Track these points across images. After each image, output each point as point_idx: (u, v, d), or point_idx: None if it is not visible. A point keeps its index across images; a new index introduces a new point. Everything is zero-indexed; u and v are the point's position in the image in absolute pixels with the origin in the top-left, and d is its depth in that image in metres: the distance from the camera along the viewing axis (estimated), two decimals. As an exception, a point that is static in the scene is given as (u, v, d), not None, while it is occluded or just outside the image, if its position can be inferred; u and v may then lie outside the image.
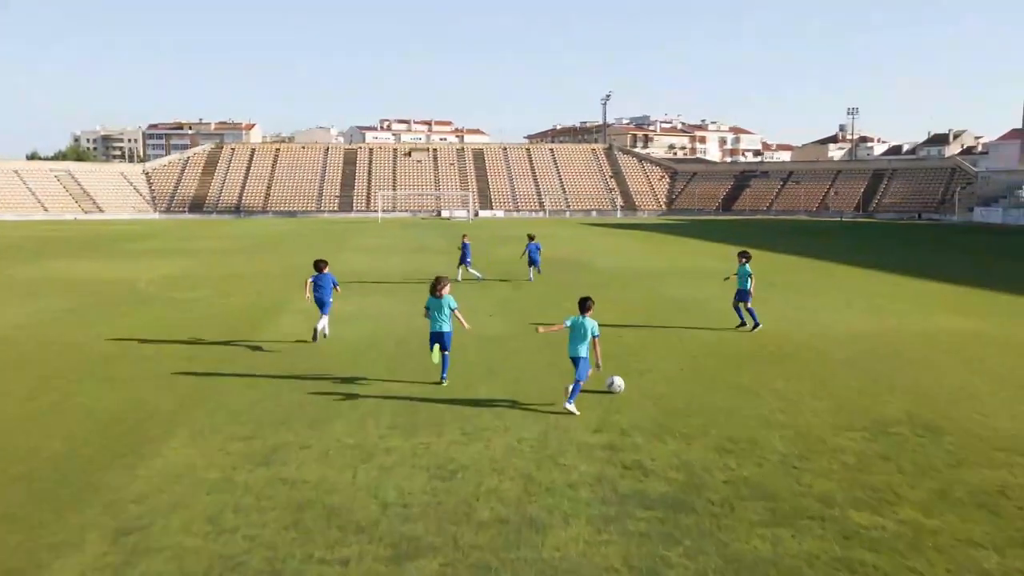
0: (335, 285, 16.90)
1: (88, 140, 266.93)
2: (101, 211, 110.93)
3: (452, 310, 13.05)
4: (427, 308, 13.09)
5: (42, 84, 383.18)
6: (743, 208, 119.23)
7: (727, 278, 20.67)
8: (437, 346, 12.87)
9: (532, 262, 28.62)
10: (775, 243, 50.08)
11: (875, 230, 72.12)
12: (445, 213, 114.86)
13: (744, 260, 18.54)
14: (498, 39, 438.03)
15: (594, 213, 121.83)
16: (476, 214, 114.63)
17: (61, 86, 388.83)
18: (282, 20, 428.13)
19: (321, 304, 16.67)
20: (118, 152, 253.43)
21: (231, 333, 17.69)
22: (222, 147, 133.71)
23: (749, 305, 18.34)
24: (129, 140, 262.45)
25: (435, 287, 12.97)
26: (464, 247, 28.68)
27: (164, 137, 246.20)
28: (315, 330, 16.69)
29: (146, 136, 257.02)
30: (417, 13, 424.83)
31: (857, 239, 57.24)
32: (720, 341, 16.94)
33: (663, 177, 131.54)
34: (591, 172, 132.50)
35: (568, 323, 11.92)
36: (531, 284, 27.09)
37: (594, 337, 11.90)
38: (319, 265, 16.83)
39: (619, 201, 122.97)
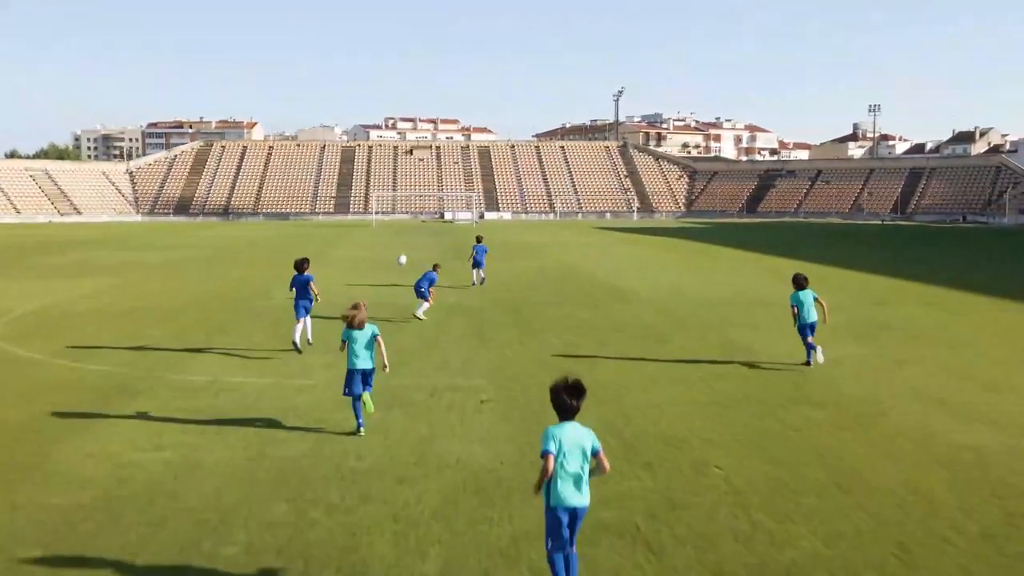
0: (309, 287, 15.69)
1: (89, 139, 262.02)
2: (79, 213, 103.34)
3: (375, 336, 10.58)
4: (344, 341, 10.63)
5: (44, 83, 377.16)
6: (768, 209, 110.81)
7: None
8: (367, 394, 10.60)
9: (476, 264, 26.91)
10: (838, 254, 41.88)
11: (937, 236, 63.62)
12: (448, 215, 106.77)
13: (801, 286, 14.24)
14: (503, 37, 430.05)
15: (608, 215, 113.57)
16: (482, 216, 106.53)
17: (63, 85, 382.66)
18: (285, 18, 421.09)
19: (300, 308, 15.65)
20: (118, 151, 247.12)
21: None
22: (212, 145, 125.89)
23: (810, 339, 14.04)
24: (130, 139, 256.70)
25: (352, 318, 10.52)
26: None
27: (164, 136, 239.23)
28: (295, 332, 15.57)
29: (146, 135, 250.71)
30: (421, 11, 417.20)
31: (932, 247, 48.93)
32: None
33: (681, 177, 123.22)
34: (604, 171, 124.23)
35: (550, 448, 5.75)
36: (541, 328, 18.70)
37: (595, 454, 5.89)
38: (300, 264, 15.89)
39: (635, 202, 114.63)
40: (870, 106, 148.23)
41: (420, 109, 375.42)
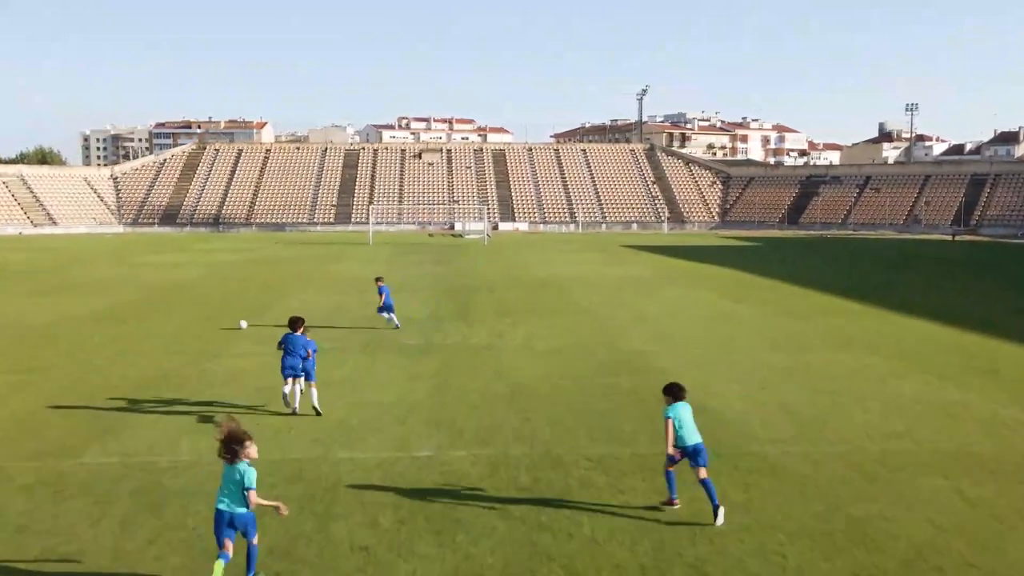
0: (311, 350, 14.84)
1: (98, 140, 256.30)
2: (54, 223, 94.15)
3: (246, 490, 8.10)
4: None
5: (52, 83, 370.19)
6: (813, 220, 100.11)
7: None
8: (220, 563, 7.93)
9: (386, 307, 24.41)
10: (958, 301, 31.50)
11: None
12: (458, 226, 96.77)
13: (677, 396, 10.49)
14: (519, 35, 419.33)
15: (635, 226, 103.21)
16: (495, 226, 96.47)
17: (71, 86, 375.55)
18: (297, 16, 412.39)
19: (294, 370, 14.65)
20: (126, 152, 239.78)
21: None
22: (205, 148, 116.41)
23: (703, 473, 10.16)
24: (140, 139, 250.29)
25: (230, 445, 8.14)
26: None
27: (172, 136, 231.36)
28: (285, 397, 14.80)
29: (153, 135, 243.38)
30: (434, 10, 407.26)
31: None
32: None
33: (714, 183, 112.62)
34: (630, 177, 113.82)
35: None
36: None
37: None
38: (294, 323, 15.08)
39: (665, 212, 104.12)
40: (907, 105, 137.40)
41: (434, 109, 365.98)
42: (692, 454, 10.22)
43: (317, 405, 14.86)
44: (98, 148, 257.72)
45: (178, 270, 43.14)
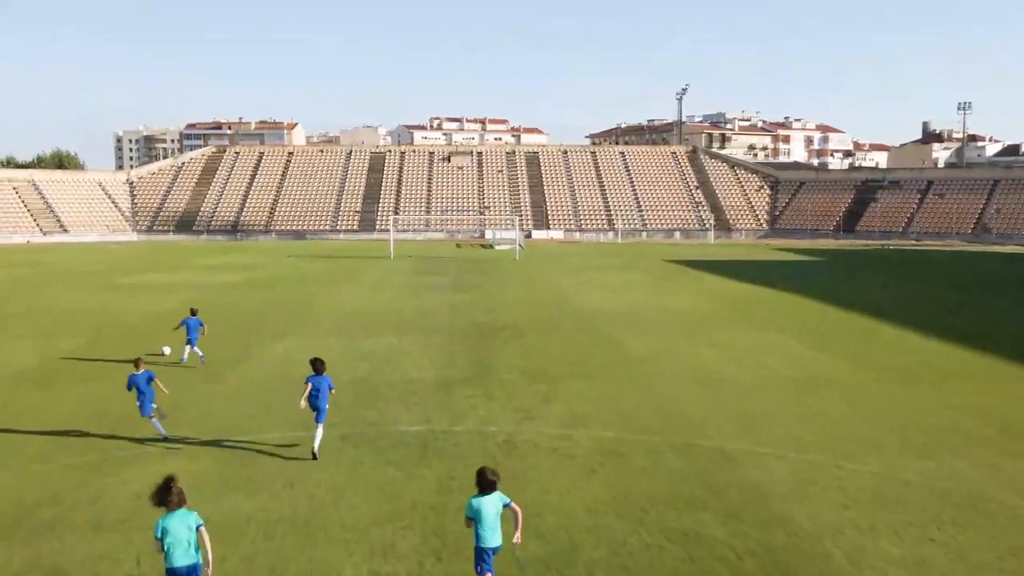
0: (330, 388, 14.92)
1: (131, 141, 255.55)
2: (65, 231, 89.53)
3: (198, 527, 8.58)
4: (158, 537, 8.46)
5: (87, 84, 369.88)
6: (871, 228, 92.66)
7: None
8: None
9: (190, 341, 22.32)
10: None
11: None
12: (489, 234, 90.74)
13: (484, 487, 9.31)
14: (553, 33, 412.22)
15: (677, 234, 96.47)
16: (529, 235, 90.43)
17: (106, 86, 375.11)
18: (330, 16, 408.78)
19: (318, 412, 14.68)
20: (157, 154, 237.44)
21: None
22: (224, 151, 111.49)
23: None
24: (172, 140, 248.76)
25: (164, 496, 8.58)
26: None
27: (202, 137, 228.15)
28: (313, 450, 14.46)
29: (183, 136, 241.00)
30: (463, 10, 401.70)
31: None
32: None
33: (761, 187, 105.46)
34: (671, 181, 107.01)
35: None
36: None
37: None
38: (317, 365, 14.87)
39: (710, 219, 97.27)
40: (959, 104, 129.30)
41: (467, 109, 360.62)
42: (492, 553, 9.17)
43: (317, 449, 14.69)
44: (130, 150, 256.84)
45: (159, 297, 37.43)
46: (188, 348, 22.48)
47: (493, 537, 9.11)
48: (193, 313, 22.96)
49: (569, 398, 19.36)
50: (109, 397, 18.77)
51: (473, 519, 9.13)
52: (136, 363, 16.11)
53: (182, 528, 8.46)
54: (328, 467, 14.40)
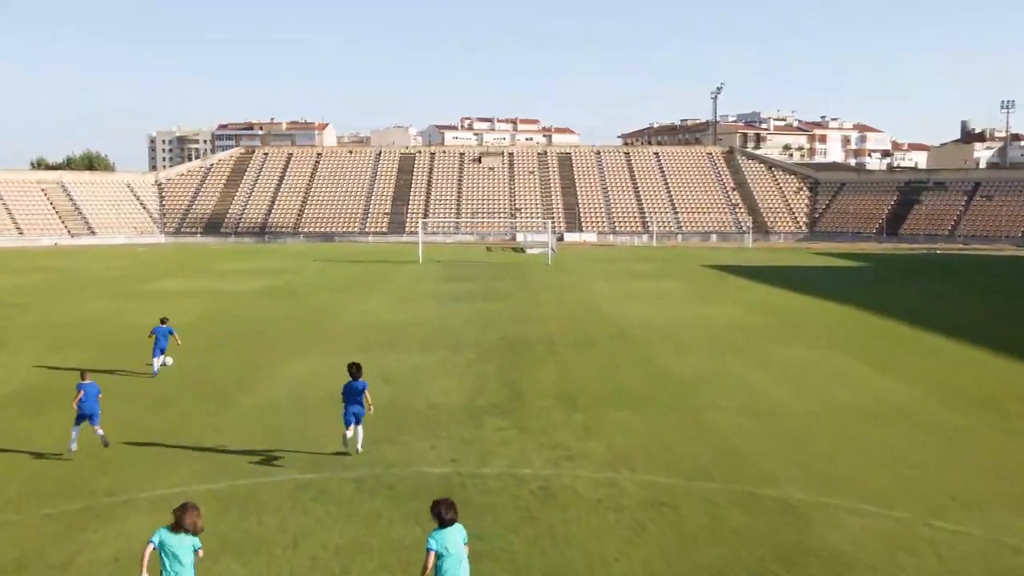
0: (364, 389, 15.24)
1: (164, 141, 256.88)
2: (93, 233, 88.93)
3: (196, 550, 8.57)
4: (158, 549, 8.49)
5: (120, 85, 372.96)
6: (915, 231, 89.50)
7: None
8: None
9: (160, 350, 22.02)
10: None
11: None
12: (520, 237, 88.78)
13: (444, 521, 8.87)
14: (583, 32, 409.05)
15: (714, 237, 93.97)
16: (561, 238, 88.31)
17: (139, 86, 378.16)
18: (361, 17, 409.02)
19: (356, 417, 15.11)
20: (189, 154, 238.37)
21: None
22: (253, 152, 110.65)
23: None
24: (204, 141, 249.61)
25: (181, 520, 8.58)
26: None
27: (234, 138, 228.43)
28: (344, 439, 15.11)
29: (215, 137, 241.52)
30: (493, 10, 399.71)
31: None
32: None
33: (800, 189, 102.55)
34: (707, 182, 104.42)
35: None
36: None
37: None
38: (352, 370, 15.19)
39: (747, 222, 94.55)
40: (1002, 102, 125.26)
41: (498, 109, 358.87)
42: None
43: (360, 446, 15.44)
44: (164, 151, 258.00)
45: (176, 306, 35.88)
46: (158, 359, 22.01)
47: (457, 570, 8.56)
48: (163, 322, 22.64)
49: (611, 431, 17.37)
50: (104, 423, 17.08)
51: (440, 555, 8.43)
52: (83, 374, 16.27)
53: (183, 549, 8.58)
54: (338, 520, 12.56)
